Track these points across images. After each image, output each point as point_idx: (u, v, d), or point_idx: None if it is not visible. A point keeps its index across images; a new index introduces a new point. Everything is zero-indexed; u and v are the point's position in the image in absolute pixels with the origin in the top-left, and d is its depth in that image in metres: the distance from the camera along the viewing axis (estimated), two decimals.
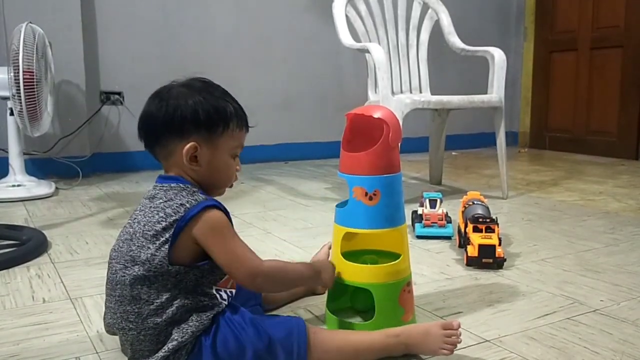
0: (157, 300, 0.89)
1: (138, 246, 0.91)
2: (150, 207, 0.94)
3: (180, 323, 0.90)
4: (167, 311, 0.89)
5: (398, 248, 1.14)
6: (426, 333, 1.01)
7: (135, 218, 0.95)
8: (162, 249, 0.89)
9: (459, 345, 1.05)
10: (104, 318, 0.97)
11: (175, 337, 0.89)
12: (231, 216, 0.96)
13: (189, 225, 0.90)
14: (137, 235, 0.92)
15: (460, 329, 1.00)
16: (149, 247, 0.90)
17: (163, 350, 0.89)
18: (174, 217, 0.90)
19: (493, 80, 2.43)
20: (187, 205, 0.91)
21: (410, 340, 1.00)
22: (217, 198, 0.99)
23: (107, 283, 0.96)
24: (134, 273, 0.90)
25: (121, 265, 0.92)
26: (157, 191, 0.96)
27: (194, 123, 0.94)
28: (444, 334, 1.00)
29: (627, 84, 3.79)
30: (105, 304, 0.96)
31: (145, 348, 0.91)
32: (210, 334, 0.90)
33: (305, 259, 1.57)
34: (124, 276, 0.91)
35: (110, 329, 0.96)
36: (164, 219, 0.90)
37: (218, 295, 0.95)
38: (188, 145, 0.94)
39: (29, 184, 2.54)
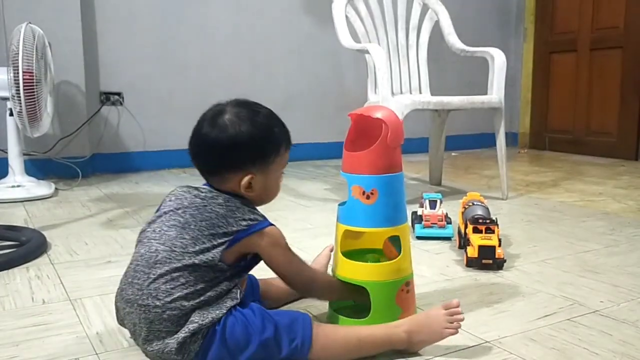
0: (192, 287, 0.94)
1: (192, 237, 0.96)
2: (205, 205, 1.00)
3: (202, 309, 0.94)
4: (197, 298, 0.94)
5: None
6: (427, 317, 1.02)
7: (185, 209, 0.99)
8: (218, 247, 0.96)
9: (459, 346, 1.05)
10: (120, 294, 0.98)
11: (196, 320, 0.93)
12: None
13: (248, 238, 0.99)
14: (192, 226, 0.97)
15: (460, 307, 1.02)
16: (203, 242, 0.96)
17: (183, 332, 0.92)
18: (235, 228, 0.98)
19: (493, 81, 2.43)
20: (250, 222, 1.00)
21: (412, 327, 1.01)
22: None
23: (138, 260, 0.97)
24: (182, 258, 0.94)
25: (166, 247, 0.96)
26: (213, 194, 1.02)
27: (250, 158, 1.02)
28: (445, 314, 1.01)
29: (627, 84, 3.80)
30: (128, 280, 0.97)
31: (164, 329, 0.93)
32: (221, 322, 0.94)
33: (305, 260, 1.57)
34: (169, 258, 0.94)
35: (127, 306, 0.96)
36: (225, 226, 0.98)
37: (238, 292, 1.00)
38: (246, 178, 1.02)
39: (29, 184, 2.54)
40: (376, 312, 1.09)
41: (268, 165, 1.04)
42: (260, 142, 1.02)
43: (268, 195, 1.09)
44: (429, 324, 1.01)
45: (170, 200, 1.04)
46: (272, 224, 1.03)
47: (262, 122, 1.03)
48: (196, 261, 0.94)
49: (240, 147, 1.00)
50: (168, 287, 0.93)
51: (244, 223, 0.99)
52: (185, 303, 0.93)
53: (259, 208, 1.07)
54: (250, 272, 1.21)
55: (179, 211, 1.00)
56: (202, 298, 0.94)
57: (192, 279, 0.94)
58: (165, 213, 1.02)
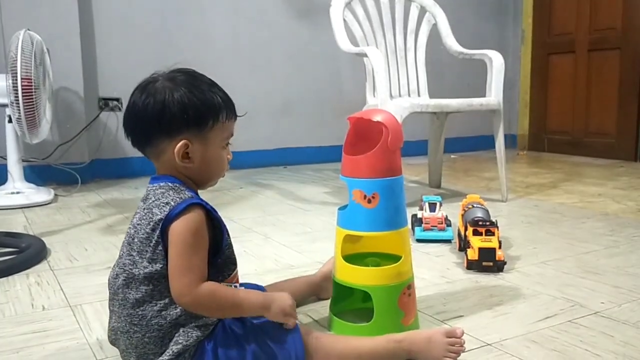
0: (160, 302, 0.89)
1: (137, 251, 0.91)
2: (143, 208, 0.93)
3: (185, 326, 0.90)
4: (171, 313, 0.89)
5: (398, 251, 1.14)
6: (429, 340, 1.00)
7: (132, 222, 0.95)
8: (157, 250, 0.89)
9: None
10: (109, 322, 0.97)
11: (180, 341, 0.89)
12: (219, 215, 0.94)
13: (171, 225, 0.89)
14: (135, 239, 0.92)
15: (463, 337, 1.00)
16: (146, 250, 0.90)
17: (167, 354, 0.89)
18: (159, 216, 0.89)
19: (491, 83, 2.43)
20: (172, 203, 0.90)
21: (412, 347, 1.00)
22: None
23: (109, 287, 0.96)
24: (135, 276, 0.90)
25: (121, 269, 0.92)
26: (148, 192, 0.95)
27: (183, 121, 0.92)
28: (447, 342, 0.99)
29: (625, 85, 3.80)
30: (109, 308, 0.96)
31: (150, 351, 0.91)
32: (212, 339, 0.91)
33: (305, 264, 1.58)
34: (125, 280, 0.91)
35: (113, 334, 0.95)
36: (152, 219, 0.90)
37: None
38: (179, 144, 0.92)
39: (28, 191, 2.54)
40: (379, 317, 1.09)
41: (206, 132, 0.94)
42: (195, 105, 0.92)
43: (210, 169, 0.97)
44: (429, 348, 0.99)
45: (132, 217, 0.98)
46: (198, 203, 0.90)
47: (199, 86, 0.94)
48: (149, 274, 0.89)
49: (171, 108, 0.90)
50: (138, 310, 0.89)
51: (167, 207, 0.89)
52: (162, 322, 0.89)
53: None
54: (260, 283, 1.21)
55: (131, 226, 0.95)
56: (177, 312, 0.89)
57: (156, 294, 0.89)
58: (126, 232, 0.97)
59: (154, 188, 0.94)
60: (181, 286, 0.87)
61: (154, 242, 0.89)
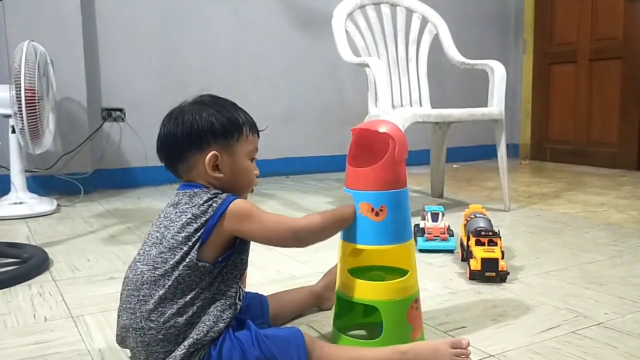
0: (182, 300, 0.93)
1: (169, 248, 0.95)
2: (176, 212, 0.99)
3: (198, 323, 0.94)
4: (189, 311, 0.93)
5: (405, 264, 1.12)
6: (434, 351, 1.00)
7: (161, 224, 1.00)
8: (194, 246, 0.95)
9: None
10: (118, 322, 0.98)
11: (192, 335, 0.93)
12: None
13: (219, 222, 0.96)
14: (167, 238, 0.96)
15: (469, 348, 1.00)
16: (181, 248, 0.95)
17: (180, 349, 0.92)
18: (203, 218, 0.96)
19: (493, 93, 2.44)
20: (214, 205, 0.97)
21: (417, 357, 0.99)
22: None
23: (127, 284, 0.98)
24: (164, 272, 0.94)
25: (150, 267, 0.95)
26: (180, 197, 1.01)
27: (211, 133, 1.01)
28: (453, 353, 0.99)
29: (627, 94, 3.80)
30: (122, 306, 0.98)
31: (161, 349, 0.93)
32: (217, 345, 0.93)
33: (307, 274, 1.57)
34: (154, 276, 0.94)
35: (124, 331, 0.96)
36: (193, 220, 0.96)
37: (237, 294, 0.99)
38: (209, 155, 1.00)
39: (31, 201, 2.55)
40: (389, 332, 1.07)
41: (232, 144, 1.02)
42: (221, 119, 1.01)
43: (239, 180, 1.04)
44: (435, 359, 0.99)
45: (155, 221, 1.03)
46: (234, 198, 0.99)
47: (224, 106, 1.04)
48: (179, 271, 0.93)
49: (200, 124, 1.00)
50: (159, 307, 0.93)
51: (210, 209, 0.96)
52: (179, 319, 0.92)
53: None
54: (261, 293, 1.21)
55: (159, 228, 1.00)
56: (194, 309, 0.93)
57: (179, 292, 0.93)
58: (148, 234, 1.01)
59: (187, 193, 1.00)
60: (290, 230, 1.00)
61: (193, 240, 0.95)
